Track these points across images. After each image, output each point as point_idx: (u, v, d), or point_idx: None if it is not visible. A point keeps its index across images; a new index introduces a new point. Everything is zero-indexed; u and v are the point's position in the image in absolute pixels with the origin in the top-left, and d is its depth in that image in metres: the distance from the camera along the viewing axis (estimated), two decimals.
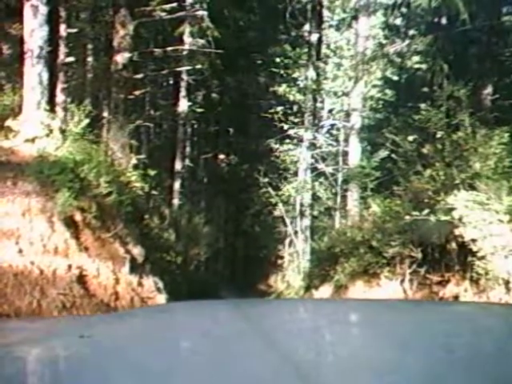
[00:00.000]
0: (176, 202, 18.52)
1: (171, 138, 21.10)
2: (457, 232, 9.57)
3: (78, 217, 8.36)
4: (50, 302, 6.63)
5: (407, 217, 9.69)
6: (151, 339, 2.22)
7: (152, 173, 12.34)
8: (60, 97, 10.59)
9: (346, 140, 19.68)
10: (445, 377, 1.66)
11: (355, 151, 18.07)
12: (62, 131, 9.72)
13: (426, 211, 9.57)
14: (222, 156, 24.40)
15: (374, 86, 21.03)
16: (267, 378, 1.63)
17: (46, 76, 9.67)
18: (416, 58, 22.74)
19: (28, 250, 7.28)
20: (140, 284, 8.61)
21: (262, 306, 3.29)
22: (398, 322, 2.55)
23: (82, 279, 7.49)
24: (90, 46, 17.87)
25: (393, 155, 11.88)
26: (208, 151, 23.43)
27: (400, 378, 1.65)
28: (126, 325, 2.65)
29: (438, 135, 10.29)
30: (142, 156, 15.75)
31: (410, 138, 11.28)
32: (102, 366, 1.78)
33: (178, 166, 19.07)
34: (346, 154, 19.22)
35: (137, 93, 14.32)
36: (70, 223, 8.11)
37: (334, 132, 21.80)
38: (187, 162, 20.61)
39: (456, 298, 10.66)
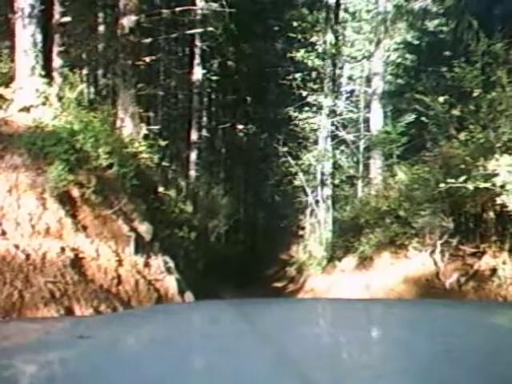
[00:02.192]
0: (193, 173, 17.40)
1: (187, 108, 19.91)
2: (498, 200, 8.29)
3: (74, 192, 7.24)
4: (35, 292, 5.53)
5: (442, 184, 8.39)
6: (151, 339, 2.17)
7: (163, 143, 11.16)
8: (57, 61, 9.39)
9: (367, 106, 18.32)
10: (444, 377, 1.57)
11: (377, 117, 16.81)
12: (60, 99, 8.54)
13: (462, 178, 8.27)
14: (240, 126, 23.21)
15: (396, 50, 19.50)
16: (267, 378, 1.56)
17: (39, 38, 8.48)
18: (436, 22, 21.12)
19: (13, 231, 6.18)
20: (147, 265, 7.49)
21: (262, 306, 3.05)
22: (398, 322, 2.49)
23: (77, 263, 6.39)
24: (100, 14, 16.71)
25: (422, 118, 10.53)
26: (226, 121, 22.19)
27: (399, 378, 1.59)
28: (126, 325, 2.49)
29: (475, 93, 8.91)
30: (155, 127, 14.52)
31: (441, 99, 9.95)
32: (102, 366, 1.69)
33: (194, 136, 17.88)
34: (367, 120, 17.91)
35: (147, 59, 13.07)
36: (65, 200, 6.99)
37: (355, 98, 20.36)
38: (204, 132, 19.42)
39: (493, 270, 9.48)
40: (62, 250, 6.30)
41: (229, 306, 2.98)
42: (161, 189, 12.80)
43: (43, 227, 6.46)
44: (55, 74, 9.13)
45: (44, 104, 8.57)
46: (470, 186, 8.26)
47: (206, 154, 20.31)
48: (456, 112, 9.76)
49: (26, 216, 6.43)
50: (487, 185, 8.25)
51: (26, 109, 8.47)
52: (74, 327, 2.55)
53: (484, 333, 2.15)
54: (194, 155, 17.84)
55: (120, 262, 7.02)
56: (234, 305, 3.17)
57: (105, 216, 7.41)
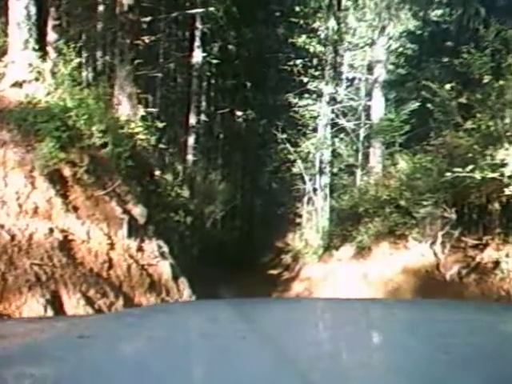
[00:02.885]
0: (190, 158, 16.99)
1: (186, 92, 19.46)
2: (507, 191, 7.92)
3: (66, 171, 6.84)
4: (19, 275, 5.16)
5: (448, 173, 8.02)
6: (151, 339, 2.11)
7: (160, 125, 10.72)
8: (52, 36, 8.95)
9: (369, 94, 17.88)
10: (443, 377, 1.55)
11: (379, 105, 16.40)
12: (54, 75, 8.11)
13: (469, 167, 7.89)
14: (239, 112, 22.74)
15: (400, 37, 19.03)
16: (267, 378, 1.53)
17: (33, 10, 8.03)
18: (440, 12, 20.63)
19: None
20: (140, 249, 7.12)
21: (262, 306, 3.03)
22: (398, 322, 2.46)
23: (66, 245, 6.02)
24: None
25: (427, 106, 10.12)
26: (224, 106, 21.71)
27: (399, 378, 1.57)
28: (126, 325, 2.46)
29: (485, 80, 8.51)
30: (153, 109, 14.09)
31: (448, 86, 9.55)
32: (102, 366, 1.67)
33: (192, 120, 17.45)
34: (368, 108, 17.47)
35: (146, 39, 12.64)
36: (55, 179, 6.60)
37: (356, 86, 19.89)
38: (202, 116, 18.99)
39: (496, 263, 9.16)
40: (51, 231, 5.93)
41: (229, 306, 2.97)
42: (157, 172, 12.42)
43: (31, 207, 6.08)
44: (50, 49, 8.67)
45: (37, 80, 8.15)
46: (478, 175, 7.90)
47: (203, 139, 19.89)
48: (463, 100, 9.37)
49: (13, 194, 6.06)
50: (495, 175, 7.90)
51: (19, 84, 8.05)
52: (74, 327, 2.51)
53: (484, 333, 2.12)
54: (191, 140, 17.42)
55: (112, 246, 6.66)
56: (233, 305, 3.14)
57: (97, 197, 7.02)
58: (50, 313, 4.97)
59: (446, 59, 13.18)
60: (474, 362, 1.70)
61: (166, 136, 16.58)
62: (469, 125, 9.17)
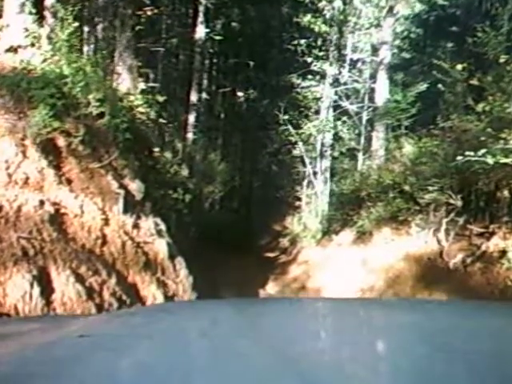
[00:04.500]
0: (190, 136, 16.53)
1: (188, 69, 18.96)
2: None
3: (60, 141, 6.44)
4: (4, 248, 4.77)
5: (459, 157, 7.61)
6: (151, 339, 2.05)
7: (161, 99, 10.29)
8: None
9: (373, 77, 17.42)
10: (443, 377, 1.54)
11: (383, 88, 15.91)
12: (51, 40, 7.68)
13: (481, 151, 7.48)
14: (240, 93, 22.26)
15: (406, 19, 18.59)
16: (267, 378, 1.52)
17: None
18: None
19: None
20: (136, 226, 6.74)
21: (261, 306, 3.09)
22: (397, 321, 2.40)
23: (57, 219, 5.62)
24: None
25: (439, 85, 9.69)
26: (226, 85, 21.22)
27: (399, 378, 1.57)
28: (126, 324, 2.43)
29: (501, 59, 8.08)
30: (154, 84, 13.62)
31: (459, 67, 9.13)
32: (102, 365, 1.67)
33: (193, 97, 16.98)
34: (372, 91, 17.02)
35: (148, 11, 12.15)
36: (48, 149, 6.20)
37: (360, 68, 19.42)
38: (204, 95, 18.51)
39: (503, 252, 8.79)
40: (41, 203, 5.53)
41: (229, 306, 2.94)
42: (156, 149, 12.02)
43: (21, 177, 5.69)
44: (47, 14, 8.23)
45: (33, 45, 7.74)
46: (490, 160, 7.49)
47: (204, 118, 19.43)
48: (475, 81, 8.96)
49: (2, 163, 5.66)
50: (508, 160, 7.50)
51: (14, 49, 7.65)
52: (75, 326, 2.47)
53: (484, 333, 2.10)
54: (192, 118, 16.97)
55: (106, 221, 6.28)
56: (233, 304, 3.13)
57: (92, 170, 6.63)
58: (36, 289, 4.61)
59: (450, 44, 12.79)
60: (474, 361, 1.68)
61: (166, 113, 16.18)
62: (480, 107, 8.74)
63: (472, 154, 7.67)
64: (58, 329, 2.38)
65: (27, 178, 5.72)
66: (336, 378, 1.57)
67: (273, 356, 1.69)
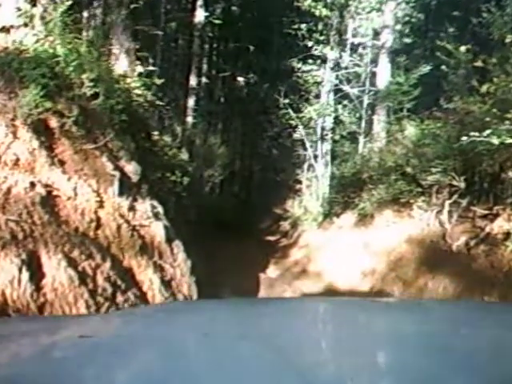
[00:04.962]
0: (190, 120, 16.21)
1: (187, 54, 18.62)
2: None
3: (52, 122, 6.15)
4: None
5: (464, 138, 7.31)
6: (151, 339, 2.05)
7: (158, 81, 9.97)
8: None
9: (374, 61, 17.05)
10: (443, 377, 1.54)
11: (385, 72, 15.58)
12: (44, 20, 7.36)
13: (487, 132, 7.18)
14: (240, 78, 21.91)
15: (407, 3, 18.14)
16: (267, 378, 1.52)
17: None
18: None
19: None
20: (132, 209, 6.47)
21: (262, 306, 3.01)
22: (397, 322, 2.37)
23: (49, 201, 5.35)
24: None
25: (443, 67, 9.36)
26: (226, 70, 20.87)
27: (399, 377, 1.57)
28: (126, 324, 2.41)
29: (508, 39, 7.76)
30: (153, 68, 13.28)
31: (463, 49, 8.80)
32: (102, 366, 1.66)
33: (192, 81, 16.65)
34: (373, 75, 16.66)
35: None
36: (40, 129, 5.91)
37: (361, 52, 19.03)
38: (203, 79, 18.17)
39: (507, 234, 8.51)
40: (32, 185, 5.26)
41: (229, 306, 2.93)
42: (155, 133, 11.74)
43: (11, 158, 5.41)
44: None
45: (26, 25, 7.41)
46: (495, 140, 7.19)
47: (204, 103, 19.12)
48: (479, 63, 8.64)
49: None
50: None
51: (6, 29, 7.33)
52: (75, 326, 2.45)
53: (484, 333, 2.07)
54: (191, 102, 16.66)
55: (101, 204, 6.01)
56: (233, 305, 3.12)
57: (86, 151, 6.35)
58: (24, 274, 4.35)
59: (451, 29, 12.46)
60: (474, 362, 1.67)
61: (165, 97, 15.86)
62: (485, 89, 8.43)
63: (477, 134, 7.38)
64: (58, 329, 2.36)
65: (17, 159, 5.44)
66: (336, 378, 1.56)
67: (273, 356, 1.67)
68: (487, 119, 7.56)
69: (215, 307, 2.87)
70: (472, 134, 7.36)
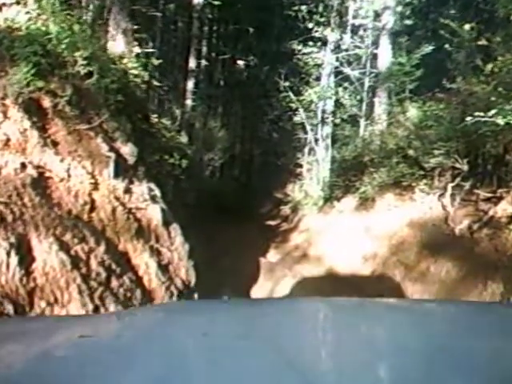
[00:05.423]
0: (189, 103, 15.93)
1: (186, 37, 18.31)
2: None
3: (45, 102, 5.90)
4: None
5: (468, 118, 7.08)
6: (151, 339, 2.02)
7: (156, 62, 9.71)
8: None
9: (375, 43, 16.74)
10: (444, 377, 1.52)
11: (386, 53, 15.29)
12: None
13: (492, 111, 6.95)
14: (240, 62, 21.57)
15: None
16: (267, 378, 1.51)
17: None
18: None
19: None
20: (128, 191, 6.24)
21: (262, 306, 2.91)
22: (398, 322, 2.35)
23: (40, 183, 5.13)
24: None
25: (446, 45, 9.10)
26: (226, 52, 20.52)
27: (399, 378, 1.57)
28: (126, 324, 2.35)
29: None
30: (151, 50, 13.00)
31: (467, 27, 8.54)
32: (102, 366, 1.64)
33: (192, 64, 16.35)
34: (374, 57, 16.36)
35: None
36: (32, 109, 5.66)
37: (362, 33, 18.70)
38: (203, 62, 17.86)
39: (511, 217, 8.31)
40: (23, 166, 5.03)
41: (229, 306, 2.93)
42: (154, 115, 11.49)
43: (1, 138, 5.17)
44: None
45: (18, 3, 7.13)
46: (500, 121, 6.97)
47: (204, 86, 18.83)
48: (483, 42, 8.39)
49: None
50: None
51: None
52: (75, 326, 2.40)
53: (484, 333, 2.05)
54: (190, 84, 16.37)
55: (95, 186, 5.78)
56: (233, 304, 3.11)
57: (80, 132, 6.10)
58: (13, 258, 4.14)
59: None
60: (474, 362, 1.66)
61: (165, 80, 15.60)
62: (489, 68, 8.19)
63: (482, 114, 7.15)
64: (58, 329, 2.31)
65: (8, 140, 5.21)
66: (336, 378, 1.56)
67: (273, 356, 1.66)
68: (492, 99, 7.32)
69: (215, 307, 2.85)
70: (477, 114, 7.14)
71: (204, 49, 18.66)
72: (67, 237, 4.81)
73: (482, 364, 1.65)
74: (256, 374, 1.53)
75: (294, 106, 17.60)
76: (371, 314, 2.59)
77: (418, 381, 1.51)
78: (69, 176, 5.53)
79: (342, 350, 1.90)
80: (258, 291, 9.48)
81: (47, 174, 5.30)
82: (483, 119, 7.02)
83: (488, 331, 2.08)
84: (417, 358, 1.70)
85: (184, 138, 13.76)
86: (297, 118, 17.87)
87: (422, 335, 2.03)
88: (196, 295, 6.29)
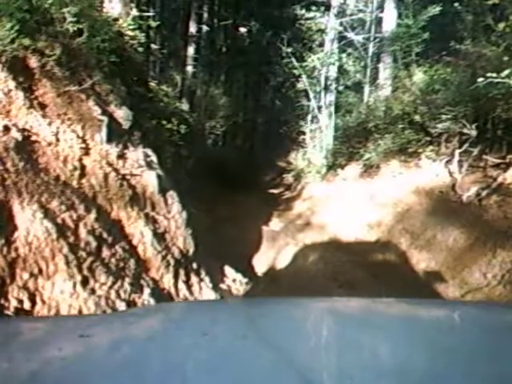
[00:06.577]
0: (190, 69, 15.41)
1: (188, 2, 17.68)
2: None
3: (32, 62, 5.50)
4: None
5: (480, 79, 6.63)
6: (151, 338, 2.04)
7: (154, 24, 9.21)
8: None
9: (380, 7, 16.10)
10: (443, 377, 1.52)
11: (390, 18, 14.68)
12: None
13: (505, 72, 6.50)
14: (242, 29, 20.95)
15: None
16: (267, 378, 1.52)
17: None
18: None
19: None
20: (121, 157, 5.86)
21: (262, 306, 2.76)
22: (398, 322, 2.36)
23: (25, 147, 4.74)
24: None
25: (456, 4, 8.59)
26: (228, 18, 19.91)
27: (399, 378, 1.54)
28: (126, 324, 2.30)
29: None
30: (149, 13, 12.48)
31: None
32: (103, 365, 1.66)
33: (192, 29, 15.78)
34: (379, 22, 15.75)
35: None
36: (17, 69, 5.26)
37: None
38: (204, 27, 17.28)
39: None
40: (6, 128, 4.64)
41: (229, 306, 2.92)
42: (153, 82, 11.04)
43: None
44: None
45: None
46: None
47: (205, 52, 18.26)
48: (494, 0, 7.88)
49: None
50: None
51: None
52: (75, 326, 2.34)
53: (484, 333, 2.03)
54: (191, 50, 15.82)
55: (86, 151, 5.40)
56: (233, 305, 3.11)
57: (71, 94, 5.70)
58: None
59: None
60: (474, 361, 1.65)
61: (165, 46, 15.09)
62: (501, 27, 7.70)
63: (494, 75, 6.69)
64: (58, 328, 2.26)
65: None
66: (336, 378, 1.56)
67: (273, 356, 1.66)
68: (505, 58, 6.84)
69: (215, 307, 2.84)
70: (489, 74, 6.68)
71: (205, 14, 18.03)
72: (53, 204, 4.45)
73: (482, 364, 1.63)
74: (256, 374, 1.52)
75: (296, 72, 17.00)
76: (371, 314, 2.55)
77: (418, 381, 1.50)
78: (57, 140, 5.15)
79: (341, 350, 1.88)
80: (260, 260, 9.15)
81: (33, 138, 4.92)
82: (495, 80, 6.55)
83: (488, 331, 2.06)
84: (417, 358, 1.70)
85: (185, 106, 13.29)
86: (300, 85, 17.30)
87: (422, 335, 2.01)
88: (194, 264, 5.94)
